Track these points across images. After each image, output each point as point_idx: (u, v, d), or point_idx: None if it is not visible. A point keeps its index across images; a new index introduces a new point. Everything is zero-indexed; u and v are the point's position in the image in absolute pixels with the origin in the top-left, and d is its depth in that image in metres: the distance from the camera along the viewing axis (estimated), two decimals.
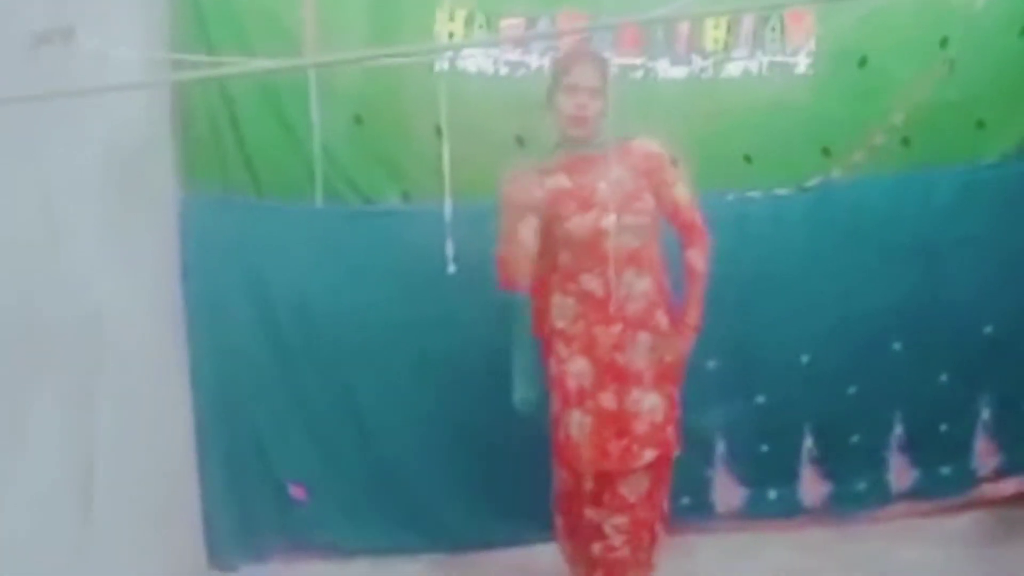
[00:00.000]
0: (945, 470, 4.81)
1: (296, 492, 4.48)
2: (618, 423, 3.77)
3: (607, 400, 3.77)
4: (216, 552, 4.41)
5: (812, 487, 4.74)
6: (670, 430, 3.87)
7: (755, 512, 4.68)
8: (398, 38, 4.18)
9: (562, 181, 3.74)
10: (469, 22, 4.22)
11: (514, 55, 4.28)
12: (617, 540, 3.86)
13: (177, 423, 4.20)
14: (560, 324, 3.82)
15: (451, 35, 4.22)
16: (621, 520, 3.85)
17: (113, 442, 3.27)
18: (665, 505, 4.02)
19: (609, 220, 3.65)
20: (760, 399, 4.60)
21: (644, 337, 3.78)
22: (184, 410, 4.26)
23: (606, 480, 3.83)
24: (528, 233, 3.73)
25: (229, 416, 4.36)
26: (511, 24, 4.26)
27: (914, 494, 4.81)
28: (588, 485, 3.85)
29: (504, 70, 4.32)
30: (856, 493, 4.76)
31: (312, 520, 4.50)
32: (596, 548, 3.90)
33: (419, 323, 4.43)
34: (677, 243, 3.86)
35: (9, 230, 2.62)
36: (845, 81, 4.47)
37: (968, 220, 4.60)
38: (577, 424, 3.80)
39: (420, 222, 4.26)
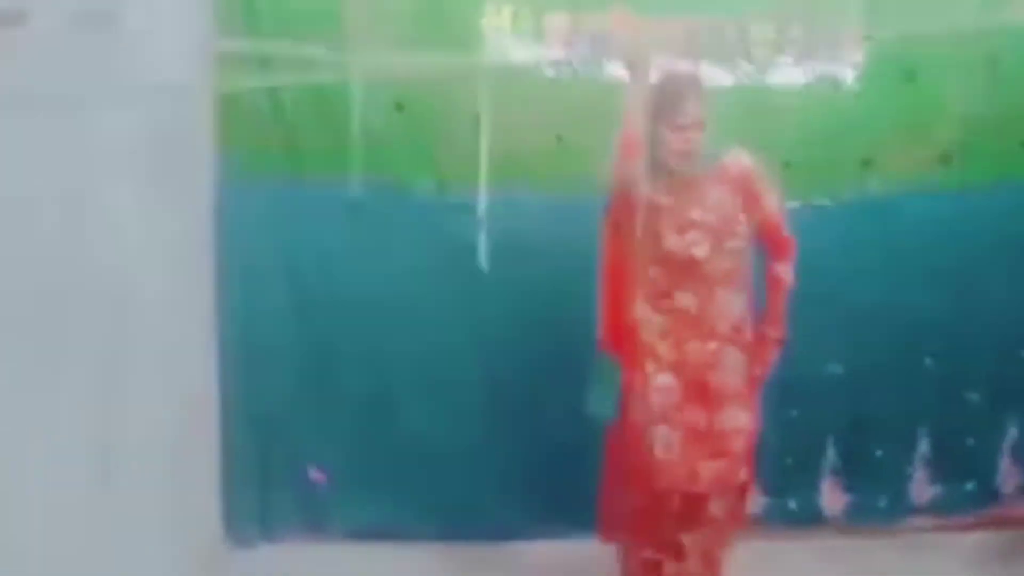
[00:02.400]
0: (967, 487, 4.80)
1: (316, 474, 4.50)
2: (712, 444, 3.69)
3: (697, 418, 3.69)
4: (234, 528, 4.39)
5: (834, 497, 4.74)
6: (755, 445, 3.81)
7: (775, 520, 4.66)
8: (443, 29, 4.16)
9: (661, 198, 3.64)
10: (515, 17, 4.19)
11: (558, 55, 4.26)
12: (695, 556, 3.81)
13: (201, 398, 4.19)
14: (649, 340, 3.72)
15: (497, 29, 4.20)
16: (703, 537, 3.79)
17: (136, 413, 3.26)
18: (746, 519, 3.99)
19: (704, 249, 3.62)
20: (793, 412, 4.55)
21: (735, 354, 3.72)
22: (209, 386, 4.25)
23: (696, 500, 3.74)
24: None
25: (255, 395, 4.34)
26: (555, 20, 4.23)
27: (935, 509, 4.80)
28: (674, 504, 3.74)
29: (549, 70, 4.32)
30: (876, 506, 4.76)
31: (331, 502, 4.53)
32: (670, 567, 3.83)
33: (451, 313, 4.44)
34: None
35: (43, 201, 2.62)
36: (891, 94, 4.45)
37: (1007, 240, 4.57)
38: (663, 441, 3.69)
39: (455, 213, 4.28)
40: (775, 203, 3.74)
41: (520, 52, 4.25)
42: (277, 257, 4.33)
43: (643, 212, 3.62)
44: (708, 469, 3.68)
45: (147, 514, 3.45)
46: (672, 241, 3.63)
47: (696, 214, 3.64)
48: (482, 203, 4.19)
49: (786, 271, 3.74)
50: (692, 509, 3.75)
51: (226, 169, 4.21)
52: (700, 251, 3.62)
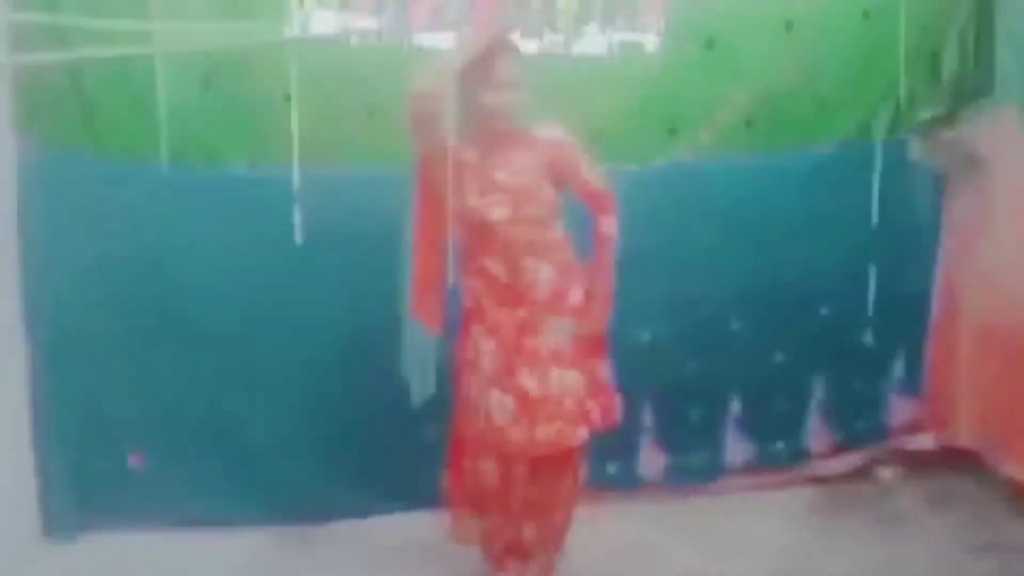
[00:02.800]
0: (779, 446, 4.97)
1: (135, 460, 4.41)
2: (544, 407, 3.68)
3: (528, 382, 3.69)
4: (52, 520, 4.32)
5: (651, 460, 4.85)
6: (594, 405, 3.82)
7: (594, 485, 4.70)
8: (247, 2, 4.13)
9: (468, 155, 3.66)
10: None
11: (366, 23, 4.26)
12: (537, 523, 3.87)
13: (10, 386, 4.10)
14: (469, 304, 3.76)
15: (301, 2, 4.17)
16: (547, 502, 3.85)
17: None
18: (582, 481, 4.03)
19: (503, 212, 3.63)
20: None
21: (554, 320, 3.73)
22: (18, 373, 4.16)
23: (535, 464, 3.76)
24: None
25: (67, 381, 4.28)
26: None
27: (749, 468, 4.95)
28: (514, 469, 3.77)
29: (355, 39, 4.30)
30: (692, 466, 4.88)
31: (151, 489, 4.43)
32: (526, 531, 3.89)
33: (267, 291, 4.40)
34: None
35: None
36: (692, 62, 4.56)
37: (807, 203, 4.73)
38: (498, 405, 3.69)
39: (268, 189, 4.26)
40: (592, 168, 3.80)
41: (326, 23, 4.23)
42: (86, 238, 4.21)
43: (451, 171, 3.62)
44: (544, 432, 3.69)
45: None
46: (473, 201, 3.64)
47: (499, 176, 3.66)
48: (295, 179, 4.18)
49: (608, 224, 3.80)
50: (531, 473, 3.78)
51: (27, 148, 4.13)
52: (498, 214, 3.63)
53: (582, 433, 3.78)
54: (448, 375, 3.88)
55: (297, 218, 4.17)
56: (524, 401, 3.68)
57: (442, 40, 4.17)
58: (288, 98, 4.10)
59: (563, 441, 3.73)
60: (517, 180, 3.66)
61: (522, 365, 3.70)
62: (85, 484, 4.36)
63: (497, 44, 3.65)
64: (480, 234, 3.66)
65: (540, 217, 3.71)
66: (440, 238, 3.73)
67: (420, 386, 3.86)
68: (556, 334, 3.73)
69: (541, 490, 3.83)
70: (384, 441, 4.49)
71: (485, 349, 3.72)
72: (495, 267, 3.69)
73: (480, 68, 3.57)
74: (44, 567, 4.17)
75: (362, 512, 4.58)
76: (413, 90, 3.53)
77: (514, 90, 3.64)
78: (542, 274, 3.71)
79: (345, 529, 4.54)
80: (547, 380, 3.70)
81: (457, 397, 3.86)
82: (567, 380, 3.74)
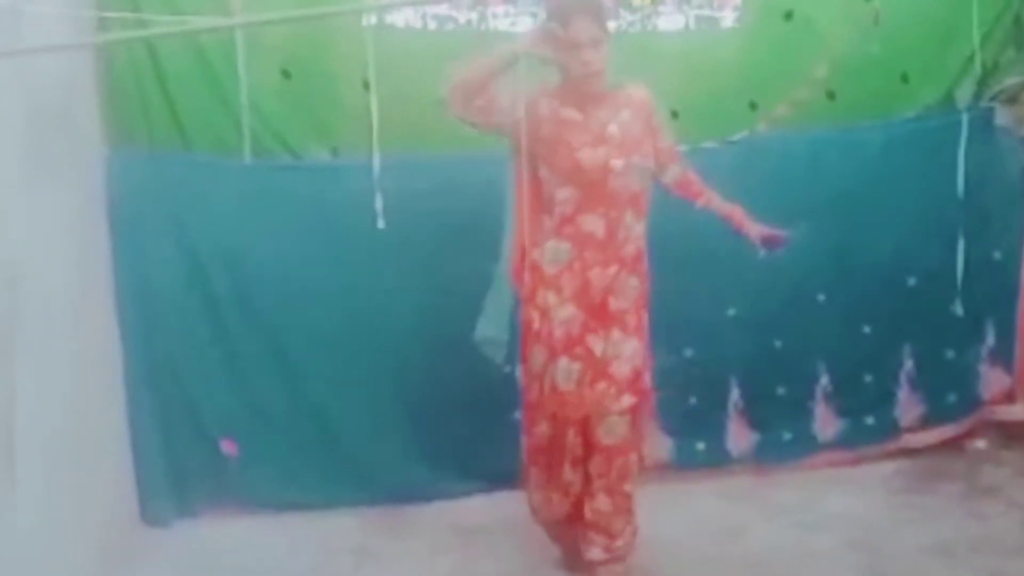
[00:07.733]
0: (869, 420, 4.90)
1: (227, 447, 4.48)
2: (597, 367, 3.73)
3: (595, 344, 3.72)
4: (148, 507, 4.41)
5: (739, 437, 4.82)
6: (647, 376, 3.85)
7: (683, 463, 4.73)
8: None
9: (573, 114, 3.66)
10: None
11: (442, 9, 4.28)
12: (600, 492, 3.85)
13: (105, 379, 4.18)
14: (552, 271, 3.73)
15: None
16: (603, 470, 3.82)
17: (35, 399, 3.24)
18: (643, 453, 4.01)
19: (619, 162, 3.63)
20: (688, 352, 4.64)
21: (634, 281, 3.76)
22: (113, 366, 4.24)
23: (586, 428, 3.79)
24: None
25: (159, 371, 4.36)
26: None
27: (839, 443, 4.90)
28: (572, 435, 3.80)
29: (432, 24, 4.33)
30: (782, 443, 4.84)
31: (244, 475, 4.50)
32: (600, 503, 3.87)
33: (349, 277, 4.43)
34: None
35: None
36: (771, 35, 4.53)
37: (891, 173, 4.67)
38: (565, 372, 3.72)
39: (349, 177, 4.29)
40: (669, 137, 3.84)
41: (401, 11, 4.26)
42: (173, 230, 4.29)
43: (552, 130, 3.64)
44: (590, 393, 3.73)
45: (56, 500, 3.44)
46: (585, 154, 3.63)
47: (610, 129, 3.67)
48: (376, 165, 4.20)
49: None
50: (585, 438, 3.80)
51: (115, 147, 4.21)
52: (615, 164, 3.62)
53: (627, 399, 3.77)
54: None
55: (379, 204, 4.19)
56: (589, 363, 3.72)
57: (517, 24, 4.19)
58: (367, 85, 4.11)
59: (605, 402, 3.75)
60: (628, 131, 3.68)
61: (596, 328, 3.72)
62: (180, 472, 4.46)
63: (571, 3, 3.62)
64: (587, 190, 3.65)
65: (646, 168, 3.73)
66: (544, 201, 3.73)
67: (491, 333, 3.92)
68: (629, 296, 3.75)
69: (600, 458, 3.82)
70: (470, 422, 4.50)
71: (561, 317, 3.72)
72: (593, 224, 3.67)
73: (560, 30, 3.56)
74: (143, 552, 4.23)
75: (451, 493, 4.62)
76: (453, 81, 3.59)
77: (596, 48, 3.60)
78: (636, 231, 3.74)
79: (434, 510, 4.57)
80: (607, 341, 3.73)
81: (524, 368, 3.88)
82: (626, 347, 3.75)
